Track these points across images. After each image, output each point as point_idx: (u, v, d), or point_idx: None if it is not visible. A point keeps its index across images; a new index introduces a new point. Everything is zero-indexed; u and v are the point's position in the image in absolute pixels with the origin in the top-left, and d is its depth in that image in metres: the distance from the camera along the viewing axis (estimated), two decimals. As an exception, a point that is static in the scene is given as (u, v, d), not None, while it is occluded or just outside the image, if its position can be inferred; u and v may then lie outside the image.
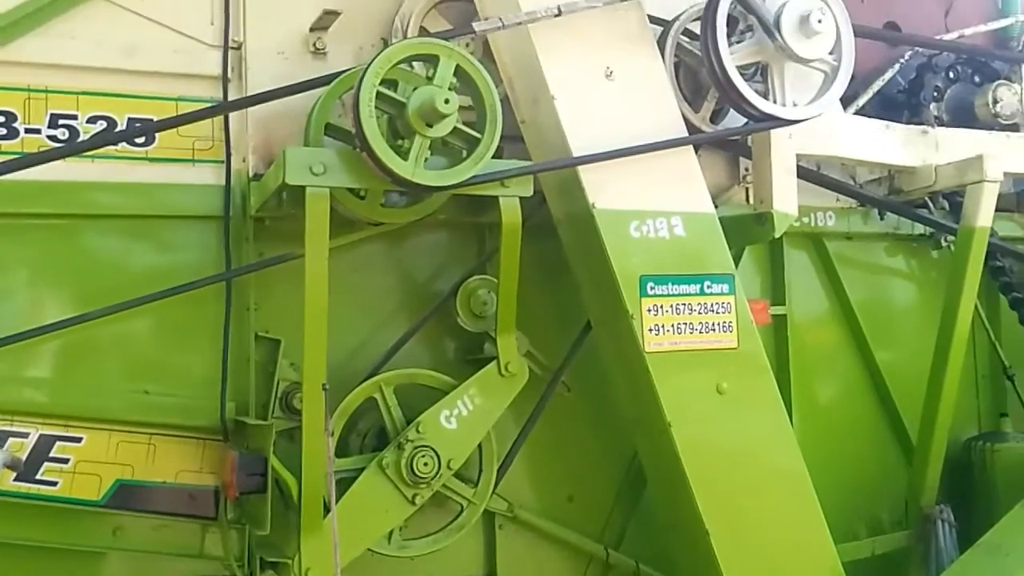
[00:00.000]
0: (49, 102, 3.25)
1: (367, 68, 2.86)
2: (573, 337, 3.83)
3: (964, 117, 4.48)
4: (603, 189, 3.29)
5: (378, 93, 2.89)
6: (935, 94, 4.47)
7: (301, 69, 3.51)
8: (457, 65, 2.98)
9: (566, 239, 3.57)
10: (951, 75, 4.57)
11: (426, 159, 2.96)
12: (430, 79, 2.96)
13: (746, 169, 4.14)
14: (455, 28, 3.58)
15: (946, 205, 4.62)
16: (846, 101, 4.05)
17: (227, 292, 3.39)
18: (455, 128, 2.97)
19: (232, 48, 3.51)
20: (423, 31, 3.66)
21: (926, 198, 4.46)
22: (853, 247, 4.62)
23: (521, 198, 3.18)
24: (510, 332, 3.43)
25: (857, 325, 4.61)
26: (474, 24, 3.22)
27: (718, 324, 3.43)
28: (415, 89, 2.96)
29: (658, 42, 3.71)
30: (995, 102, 4.42)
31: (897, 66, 4.42)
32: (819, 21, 3.34)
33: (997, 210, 4.21)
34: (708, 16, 3.39)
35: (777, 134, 3.64)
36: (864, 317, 4.63)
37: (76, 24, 3.31)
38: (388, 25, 3.69)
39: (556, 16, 3.22)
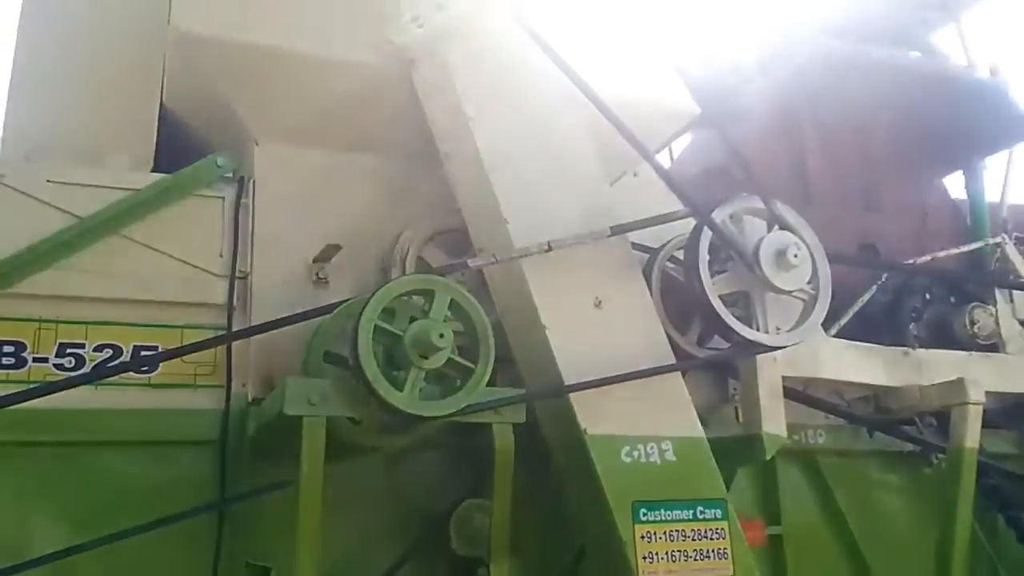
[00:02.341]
0: (59, 332, 3.38)
1: (365, 305, 3.01)
2: (567, 563, 3.78)
3: (944, 337, 4.64)
4: (594, 415, 3.35)
5: (375, 326, 3.03)
6: (914, 315, 4.65)
7: (304, 297, 3.66)
8: (452, 298, 3.15)
9: (558, 464, 3.60)
10: (928, 296, 4.77)
11: (421, 388, 3.06)
12: (426, 312, 3.12)
13: (734, 388, 4.24)
14: (451, 261, 3.76)
15: (934, 422, 4.68)
16: (828, 319, 4.20)
17: (219, 523, 3.39)
18: (449, 359, 3.09)
19: (238, 278, 3.70)
20: (420, 261, 3.85)
21: (914, 416, 4.54)
22: (845, 464, 4.65)
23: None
24: (503, 557, 3.40)
25: (854, 544, 4.56)
26: (468, 261, 3.40)
27: (713, 551, 3.39)
28: (411, 321, 3.11)
29: (645, 269, 3.93)
30: (972, 323, 4.60)
31: (875, 288, 4.61)
32: (795, 256, 3.53)
33: (986, 426, 4.28)
34: (691, 248, 3.59)
35: (762, 358, 3.76)
36: (860, 535, 4.58)
37: (90, 258, 3.49)
38: (388, 255, 3.89)
39: (547, 251, 3.41)
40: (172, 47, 3.67)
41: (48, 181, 3.47)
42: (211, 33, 3.56)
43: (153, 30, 3.92)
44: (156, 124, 3.91)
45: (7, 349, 3.32)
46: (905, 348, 4.38)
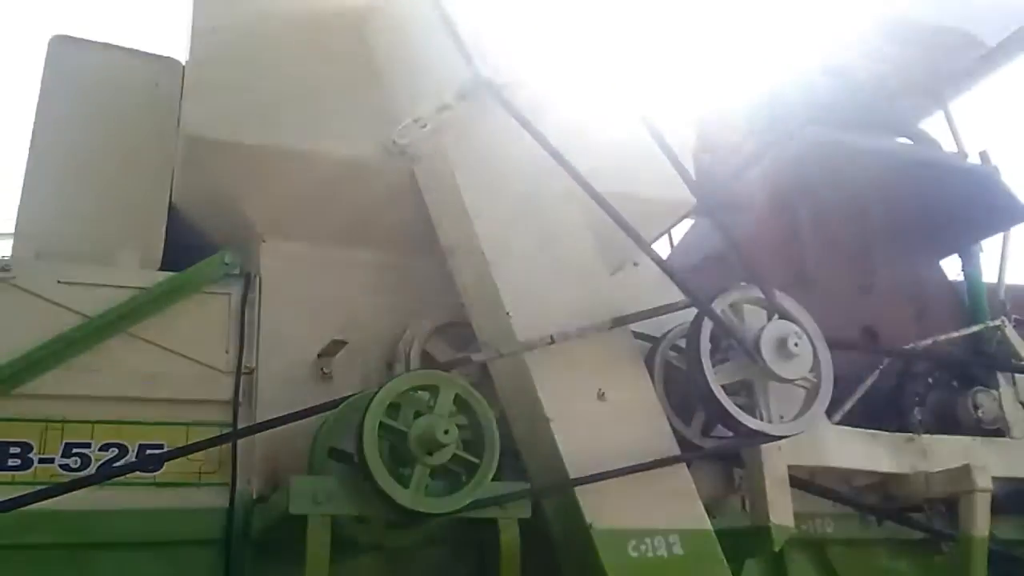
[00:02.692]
0: (65, 432, 3.40)
1: (370, 402, 3.03)
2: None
3: (948, 422, 4.63)
4: (600, 509, 3.33)
5: (380, 423, 3.05)
6: (917, 399, 4.65)
7: (309, 392, 3.67)
8: (456, 393, 3.18)
9: (564, 557, 3.57)
10: (930, 380, 4.77)
11: (427, 485, 3.07)
12: (430, 407, 3.14)
13: (740, 477, 4.22)
14: (455, 354, 3.80)
15: (943, 508, 4.63)
16: (831, 406, 4.20)
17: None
18: (454, 454, 3.10)
19: (244, 374, 3.72)
20: (426, 355, 3.89)
21: (923, 503, 4.49)
22: (855, 553, 4.58)
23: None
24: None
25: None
26: (472, 356, 3.44)
27: (725, 646, 3.36)
28: (416, 416, 3.13)
29: (647, 359, 3.95)
30: (976, 407, 4.60)
31: (877, 372, 4.63)
32: (795, 344, 3.56)
33: (995, 512, 4.24)
34: (692, 338, 3.63)
35: (767, 447, 3.76)
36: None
37: (98, 357, 3.53)
38: (393, 349, 3.93)
39: (550, 344, 3.45)
40: (182, 149, 3.77)
41: (58, 281, 3.54)
42: (220, 135, 3.66)
43: (162, 132, 4.06)
44: (164, 223, 3.99)
45: (13, 450, 3.33)
46: (909, 434, 4.37)
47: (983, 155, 5.55)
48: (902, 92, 5.89)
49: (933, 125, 5.94)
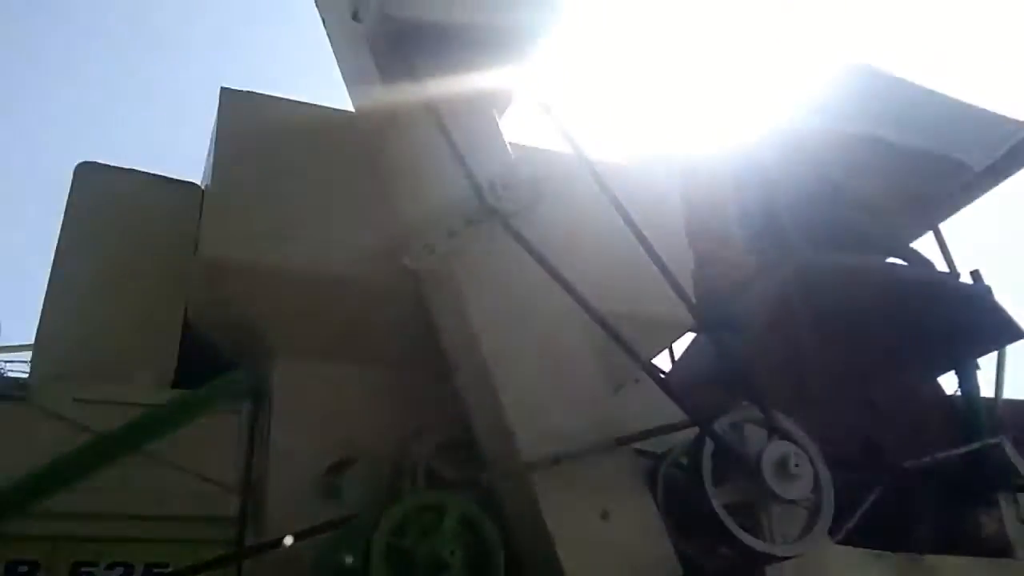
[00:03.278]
0: (74, 551, 3.43)
1: (376, 523, 3.08)
2: None
3: (950, 541, 4.63)
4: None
5: (387, 543, 3.09)
6: (919, 518, 4.67)
7: (317, 509, 3.71)
8: (462, 513, 3.23)
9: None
10: (931, 498, 4.79)
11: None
12: (437, 526, 3.19)
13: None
14: (462, 472, 3.85)
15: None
16: (833, 525, 4.21)
17: None
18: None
19: (253, 491, 3.77)
20: (432, 473, 3.93)
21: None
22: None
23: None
24: None
25: None
26: (478, 476, 3.50)
27: None
28: (422, 534, 3.17)
29: (650, 476, 4.00)
30: (978, 527, 4.61)
31: (878, 491, 4.65)
32: (796, 465, 3.63)
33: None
34: (694, 458, 3.69)
35: (770, 568, 3.77)
36: None
37: (109, 474, 3.55)
38: (401, 466, 3.97)
39: (555, 464, 3.51)
40: (198, 270, 3.91)
41: (74, 399, 3.63)
42: (236, 257, 3.82)
43: (179, 254, 4.20)
44: (178, 342, 4.10)
45: (21, 569, 3.36)
46: (914, 554, 4.37)
47: (975, 274, 5.70)
48: (893, 211, 6.08)
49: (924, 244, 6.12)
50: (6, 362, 4.20)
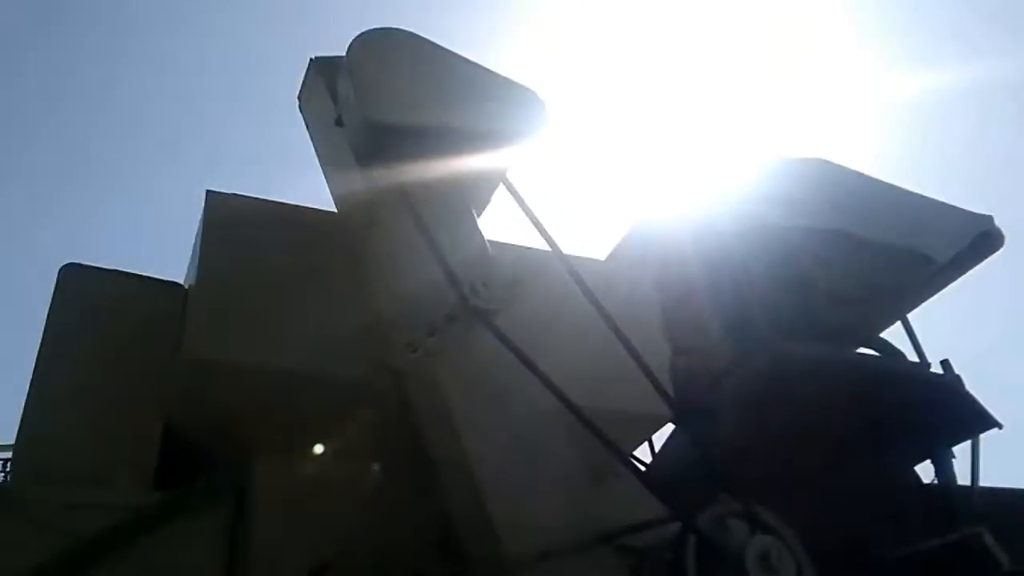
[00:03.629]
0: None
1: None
2: None
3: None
4: None
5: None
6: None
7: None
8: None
9: None
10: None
11: None
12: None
13: None
14: (447, 572, 3.83)
15: None
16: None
17: None
18: None
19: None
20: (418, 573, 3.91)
21: None
22: None
23: None
24: None
25: None
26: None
27: None
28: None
29: (635, 570, 3.97)
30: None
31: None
32: (778, 558, 3.65)
33: None
34: (676, 554, 3.69)
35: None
36: None
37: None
38: (385, 564, 3.94)
39: (538, 561, 3.50)
40: (180, 370, 3.93)
41: (56, 504, 3.59)
42: (219, 356, 3.86)
43: (161, 353, 4.22)
44: (159, 443, 4.09)
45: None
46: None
47: (945, 364, 5.79)
48: (861, 301, 6.21)
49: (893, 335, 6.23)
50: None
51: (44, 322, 4.25)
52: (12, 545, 3.46)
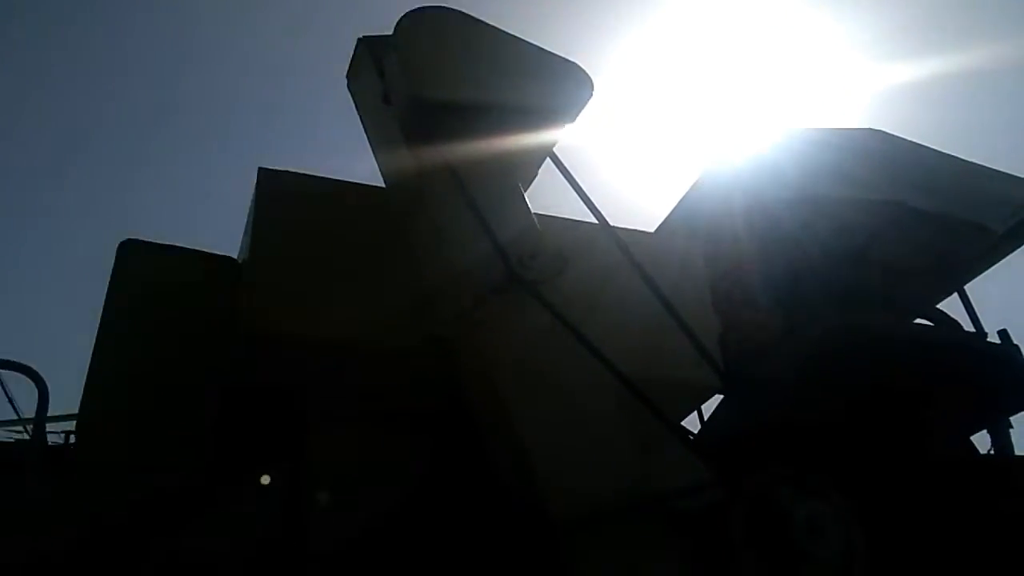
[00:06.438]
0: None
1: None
2: None
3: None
4: None
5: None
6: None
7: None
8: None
9: None
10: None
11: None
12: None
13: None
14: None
15: None
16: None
17: None
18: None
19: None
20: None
21: None
22: None
23: None
24: None
25: None
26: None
27: None
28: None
29: (682, 534, 3.99)
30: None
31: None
32: (828, 524, 3.64)
33: None
34: (724, 519, 3.70)
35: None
36: None
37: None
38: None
39: (586, 524, 3.54)
40: (237, 344, 4.04)
41: (117, 469, 3.73)
42: (273, 330, 3.96)
43: (217, 326, 4.33)
44: (215, 413, 4.20)
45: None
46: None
47: (1003, 334, 5.69)
48: (917, 273, 6.11)
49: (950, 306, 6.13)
50: (49, 432, 4.29)
51: (104, 297, 4.39)
52: (75, 509, 3.60)
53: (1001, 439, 5.59)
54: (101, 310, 4.39)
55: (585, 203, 4.28)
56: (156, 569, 3.61)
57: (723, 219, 6.07)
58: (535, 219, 4.34)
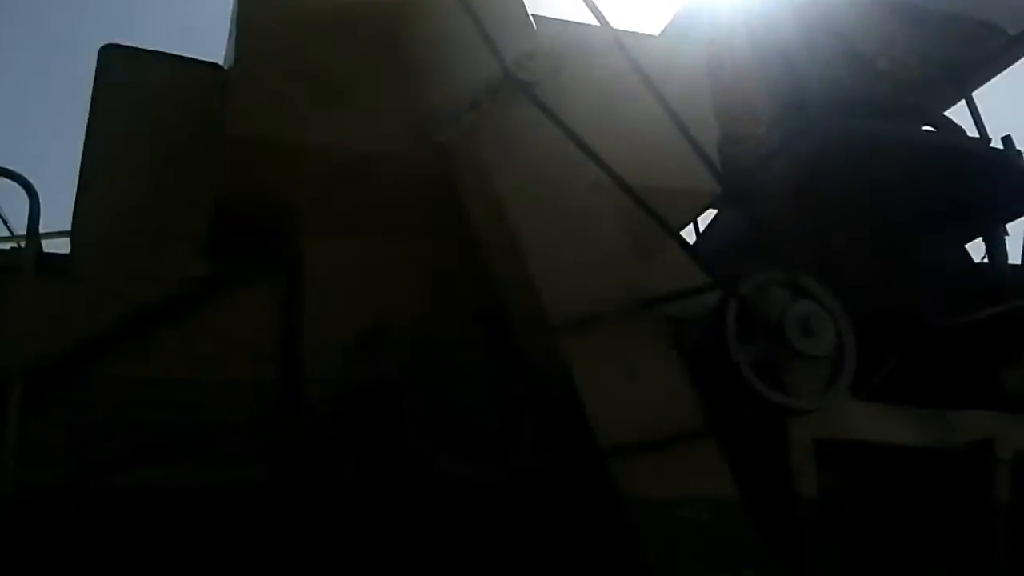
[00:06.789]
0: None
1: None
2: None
3: (976, 397, 4.69)
4: (634, 480, 3.49)
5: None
6: (942, 375, 4.73)
7: (351, 373, 3.87)
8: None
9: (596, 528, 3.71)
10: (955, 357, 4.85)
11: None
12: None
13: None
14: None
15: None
16: (859, 385, 4.29)
17: None
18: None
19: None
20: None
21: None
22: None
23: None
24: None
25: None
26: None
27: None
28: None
29: (677, 336, 4.07)
30: (1000, 384, 4.67)
31: (900, 353, 4.71)
32: (819, 322, 3.68)
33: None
34: (719, 320, 3.75)
35: (792, 421, 3.89)
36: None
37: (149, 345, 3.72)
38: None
39: (582, 326, 3.60)
40: (226, 148, 3.96)
41: (113, 274, 3.74)
42: (261, 134, 3.87)
43: (207, 132, 4.24)
44: (210, 218, 4.18)
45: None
46: (935, 410, 4.45)
47: (1006, 140, 5.62)
48: (924, 80, 5.96)
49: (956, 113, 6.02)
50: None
51: (88, 104, 4.26)
52: (71, 316, 3.63)
53: (996, 247, 5.62)
54: (86, 117, 4.28)
55: (587, 5, 4.09)
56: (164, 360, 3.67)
57: (722, 25, 5.86)
58: (532, 19, 4.17)
